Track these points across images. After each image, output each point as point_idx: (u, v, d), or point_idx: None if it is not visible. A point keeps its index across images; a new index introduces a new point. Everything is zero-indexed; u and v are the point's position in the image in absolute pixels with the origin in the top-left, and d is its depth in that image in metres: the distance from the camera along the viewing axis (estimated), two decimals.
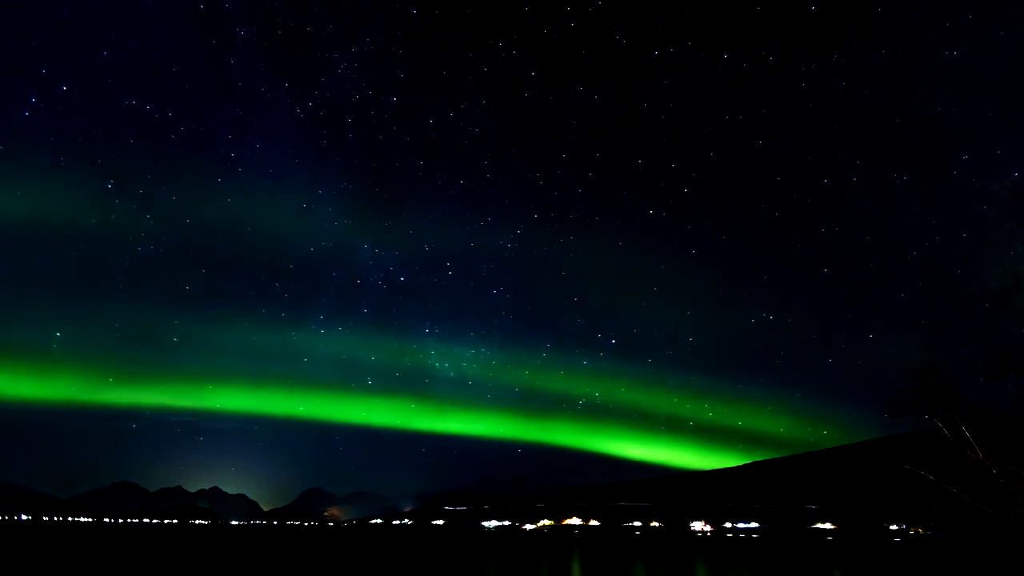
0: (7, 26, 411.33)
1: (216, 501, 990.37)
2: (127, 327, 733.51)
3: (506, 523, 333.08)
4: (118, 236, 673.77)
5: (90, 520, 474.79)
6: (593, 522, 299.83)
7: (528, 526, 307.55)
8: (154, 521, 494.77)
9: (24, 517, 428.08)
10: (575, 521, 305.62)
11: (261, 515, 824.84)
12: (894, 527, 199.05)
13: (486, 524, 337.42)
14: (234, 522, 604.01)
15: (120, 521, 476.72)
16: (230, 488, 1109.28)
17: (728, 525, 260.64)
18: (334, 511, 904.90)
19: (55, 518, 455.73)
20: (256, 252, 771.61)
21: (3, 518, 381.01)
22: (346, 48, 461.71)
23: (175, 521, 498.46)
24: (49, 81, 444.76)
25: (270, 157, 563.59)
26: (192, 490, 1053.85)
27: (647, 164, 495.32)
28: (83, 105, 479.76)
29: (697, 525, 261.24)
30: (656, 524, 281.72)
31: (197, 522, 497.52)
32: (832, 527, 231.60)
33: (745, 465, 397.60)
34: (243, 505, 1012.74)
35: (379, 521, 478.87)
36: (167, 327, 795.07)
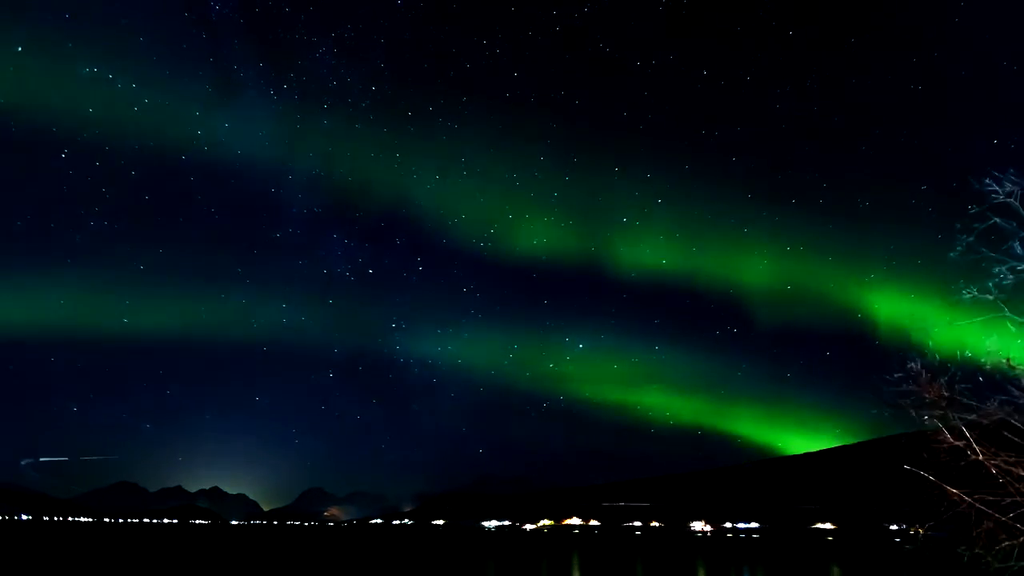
0: None
1: (216, 501, 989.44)
2: (74, 304, 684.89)
3: (506, 523, 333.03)
4: (70, 209, 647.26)
5: (90, 520, 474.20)
6: (593, 522, 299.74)
7: (528, 526, 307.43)
8: (154, 521, 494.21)
9: (24, 517, 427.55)
10: (575, 521, 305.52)
11: (261, 515, 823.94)
12: (894, 527, 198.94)
13: (486, 524, 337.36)
14: (234, 522, 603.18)
15: (120, 521, 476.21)
16: (230, 488, 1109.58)
17: (728, 525, 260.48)
18: (334, 511, 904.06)
19: (55, 518, 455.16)
20: (219, 235, 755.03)
21: (3, 518, 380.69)
22: (326, 33, 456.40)
23: (175, 521, 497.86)
24: (4, 40, 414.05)
25: (239, 137, 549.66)
26: (192, 490, 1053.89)
27: (623, 173, 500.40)
28: (38, 69, 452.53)
29: (697, 525, 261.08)
30: (656, 524, 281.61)
31: (197, 522, 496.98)
32: (832, 527, 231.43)
33: (745, 465, 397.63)
34: (243, 505, 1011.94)
35: (379, 521, 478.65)
36: (117, 307, 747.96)
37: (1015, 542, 8.82)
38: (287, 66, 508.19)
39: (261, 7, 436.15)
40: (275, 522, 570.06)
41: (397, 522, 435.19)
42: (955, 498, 9.12)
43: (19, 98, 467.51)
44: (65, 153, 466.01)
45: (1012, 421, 8.86)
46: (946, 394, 9.18)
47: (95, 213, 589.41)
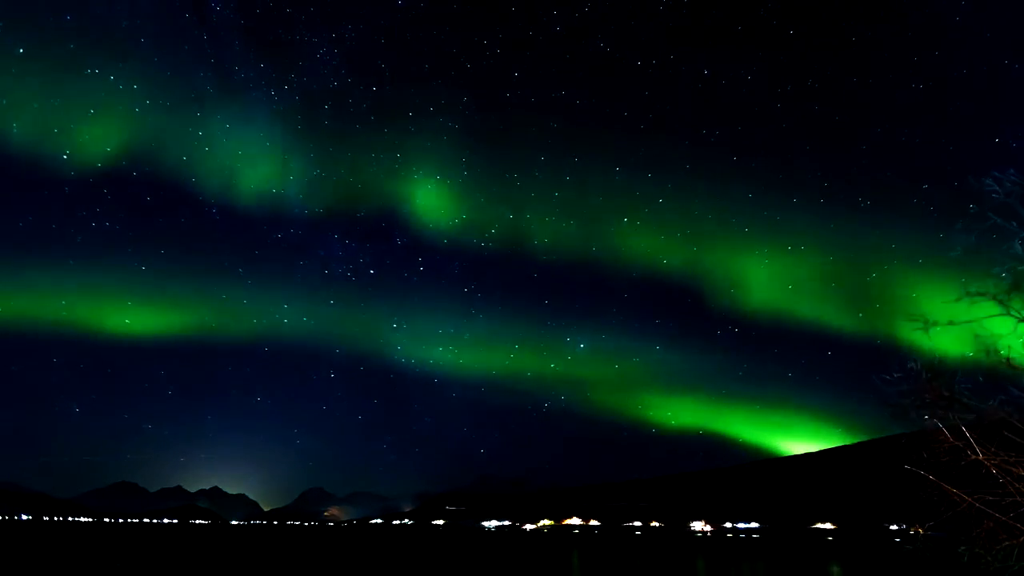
0: None
1: (216, 501, 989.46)
2: (76, 305, 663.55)
3: (506, 523, 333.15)
4: (71, 209, 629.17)
5: (90, 520, 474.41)
6: (593, 522, 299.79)
7: (528, 526, 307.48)
8: (154, 521, 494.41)
9: (24, 517, 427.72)
10: (575, 521, 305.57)
11: (261, 515, 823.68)
12: (894, 527, 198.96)
13: (486, 524, 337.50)
14: (234, 522, 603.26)
15: (120, 521, 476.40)
16: (230, 488, 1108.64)
17: (728, 525, 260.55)
18: (334, 511, 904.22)
19: (55, 518, 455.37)
20: (220, 235, 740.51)
21: (3, 518, 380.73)
22: (327, 34, 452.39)
23: (175, 521, 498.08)
24: (6, 43, 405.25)
25: (240, 138, 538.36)
26: (192, 490, 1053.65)
27: (624, 172, 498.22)
28: (40, 71, 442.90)
29: (697, 525, 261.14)
30: (656, 524, 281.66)
31: (197, 522, 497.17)
32: (832, 527, 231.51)
33: (746, 463, 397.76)
34: (243, 505, 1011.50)
35: (379, 521, 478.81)
36: (119, 307, 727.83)
37: (1015, 542, 8.81)
38: (288, 67, 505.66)
39: (262, 8, 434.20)
40: (275, 522, 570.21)
41: (397, 522, 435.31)
42: (955, 498, 9.11)
43: (20, 99, 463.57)
44: (67, 154, 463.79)
45: (1012, 421, 8.86)
46: (946, 394, 9.18)
47: (96, 214, 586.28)
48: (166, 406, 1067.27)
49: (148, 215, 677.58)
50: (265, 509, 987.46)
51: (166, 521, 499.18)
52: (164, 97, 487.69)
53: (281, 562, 66.07)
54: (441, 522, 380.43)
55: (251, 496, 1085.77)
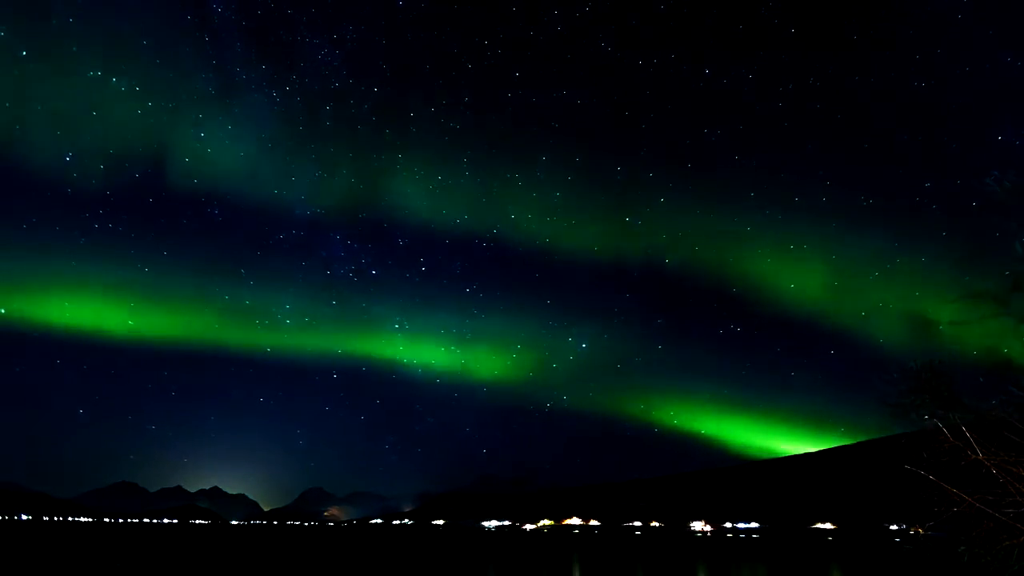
0: None
1: (216, 501, 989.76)
2: (78, 306, 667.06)
3: (506, 523, 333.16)
4: (74, 211, 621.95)
5: (90, 520, 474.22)
6: (593, 522, 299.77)
7: (528, 526, 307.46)
8: (154, 521, 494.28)
9: (24, 517, 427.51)
10: (575, 521, 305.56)
11: (261, 515, 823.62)
12: (894, 527, 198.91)
13: (486, 524, 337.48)
14: (234, 522, 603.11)
15: (120, 521, 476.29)
16: (230, 488, 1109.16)
17: (728, 525, 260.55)
18: (334, 511, 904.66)
19: (55, 518, 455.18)
20: (222, 236, 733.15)
21: (3, 518, 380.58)
22: (328, 35, 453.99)
23: (175, 521, 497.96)
24: (9, 45, 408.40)
25: (242, 139, 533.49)
26: (192, 490, 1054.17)
27: (625, 172, 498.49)
28: (42, 73, 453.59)
29: (697, 525, 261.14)
30: (656, 524, 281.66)
31: (197, 522, 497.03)
32: (832, 527, 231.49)
33: (746, 463, 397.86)
34: (243, 505, 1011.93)
35: (379, 521, 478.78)
36: (122, 309, 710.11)
37: (1015, 542, 8.80)
38: (289, 68, 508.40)
39: (263, 10, 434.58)
40: (275, 522, 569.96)
41: (397, 522, 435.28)
42: (955, 498, 9.10)
43: (23, 102, 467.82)
44: (69, 156, 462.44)
45: (1012, 421, 8.85)
46: (946, 394, 9.17)
47: (99, 215, 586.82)
48: (169, 407, 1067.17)
49: (150, 217, 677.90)
50: (265, 509, 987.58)
51: (166, 521, 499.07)
52: (166, 99, 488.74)
53: (281, 562, 66.07)
54: (441, 522, 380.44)
55: (251, 496, 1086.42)
